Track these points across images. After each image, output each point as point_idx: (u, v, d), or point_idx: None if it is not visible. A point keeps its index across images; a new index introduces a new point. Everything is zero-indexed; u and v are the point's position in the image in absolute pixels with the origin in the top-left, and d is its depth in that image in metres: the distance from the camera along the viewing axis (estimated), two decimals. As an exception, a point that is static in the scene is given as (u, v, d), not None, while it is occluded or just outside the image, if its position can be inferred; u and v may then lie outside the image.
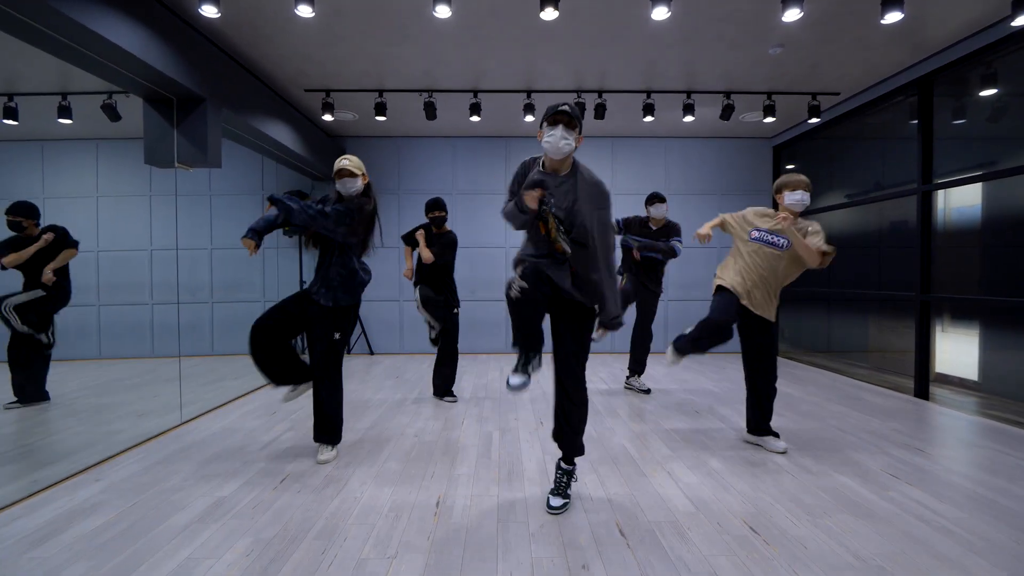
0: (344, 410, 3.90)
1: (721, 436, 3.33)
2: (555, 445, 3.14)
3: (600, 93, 5.05)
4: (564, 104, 2.19)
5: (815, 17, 3.66)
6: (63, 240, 4.15)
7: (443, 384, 4.26)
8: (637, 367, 4.55)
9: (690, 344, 3.02)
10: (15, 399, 3.90)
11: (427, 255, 3.87)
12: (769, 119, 5.16)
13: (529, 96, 5.06)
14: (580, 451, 2.40)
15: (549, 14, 3.05)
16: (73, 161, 5.98)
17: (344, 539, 2.05)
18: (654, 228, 4.31)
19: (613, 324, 2.33)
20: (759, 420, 3.10)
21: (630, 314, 4.43)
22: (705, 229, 3.20)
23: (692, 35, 3.96)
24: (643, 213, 4.42)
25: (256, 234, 2.67)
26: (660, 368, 5.58)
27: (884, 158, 5.24)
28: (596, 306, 2.31)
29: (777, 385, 3.12)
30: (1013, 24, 3.30)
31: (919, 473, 2.71)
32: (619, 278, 4.41)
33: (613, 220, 2.28)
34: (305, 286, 6.49)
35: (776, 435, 3.08)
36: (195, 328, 6.30)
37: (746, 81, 4.87)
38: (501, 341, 6.66)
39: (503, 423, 3.63)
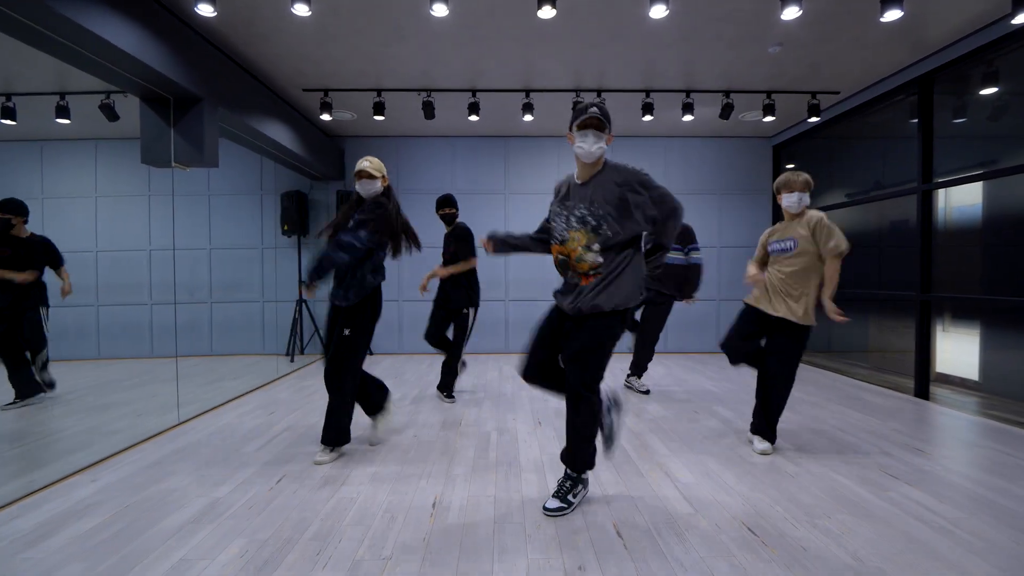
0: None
1: (720, 437, 3.32)
2: (553, 445, 3.14)
3: (599, 92, 5.04)
4: (593, 107, 2.17)
5: (814, 16, 3.65)
6: (55, 258, 4.14)
7: (442, 380, 4.25)
8: (637, 370, 4.53)
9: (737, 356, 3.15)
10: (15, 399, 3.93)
11: (441, 273, 4.01)
12: (769, 118, 5.15)
13: (528, 95, 5.05)
14: (581, 462, 2.32)
15: (547, 12, 3.04)
16: (72, 161, 5.97)
17: (339, 540, 2.04)
18: None
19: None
20: (755, 415, 3.08)
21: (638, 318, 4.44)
22: (752, 272, 3.21)
23: (691, 34, 3.94)
24: None
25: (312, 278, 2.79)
26: (659, 368, 5.56)
27: (884, 157, 5.23)
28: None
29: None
30: (1013, 22, 3.28)
31: (919, 473, 2.70)
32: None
33: (653, 193, 2.21)
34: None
35: (765, 437, 3.00)
36: (194, 328, 6.29)
37: (745, 80, 4.85)
38: (501, 341, 6.64)
39: (501, 423, 3.62)
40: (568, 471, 2.34)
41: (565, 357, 2.28)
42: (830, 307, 2.84)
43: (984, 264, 4.24)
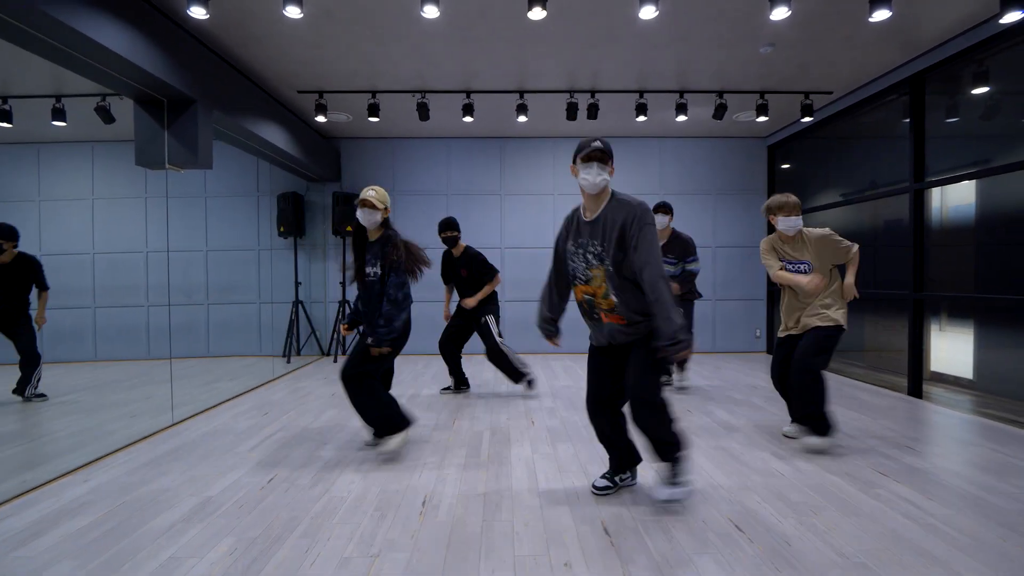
0: (338, 411, 3.93)
1: (710, 434, 3.33)
2: (544, 444, 3.16)
3: (593, 93, 5.05)
4: (596, 141, 2.21)
5: (804, 16, 3.67)
6: (40, 280, 4.17)
7: (506, 372, 4.36)
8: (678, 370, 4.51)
9: (790, 409, 3.21)
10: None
11: (470, 303, 4.16)
12: (762, 118, 5.17)
13: (522, 96, 5.07)
14: (667, 449, 2.29)
15: (537, 14, 3.05)
16: (69, 163, 6.00)
17: (328, 538, 2.05)
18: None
19: (674, 346, 2.10)
20: (792, 409, 3.15)
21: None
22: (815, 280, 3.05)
23: (683, 34, 3.96)
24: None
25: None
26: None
27: (879, 156, 5.24)
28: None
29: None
30: (1002, 22, 3.29)
31: (908, 471, 2.71)
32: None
33: (642, 237, 2.15)
34: (301, 286, 6.50)
35: (814, 431, 2.98)
36: (191, 330, 6.30)
37: (739, 80, 4.87)
38: (497, 342, 6.65)
39: (495, 423, 3.63)
40: (667, 464, 2.31)
41: (628, 381, 2.29)
42: (850, 284, 3.00)
43: (978, 263, 4.25)
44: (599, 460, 2.87)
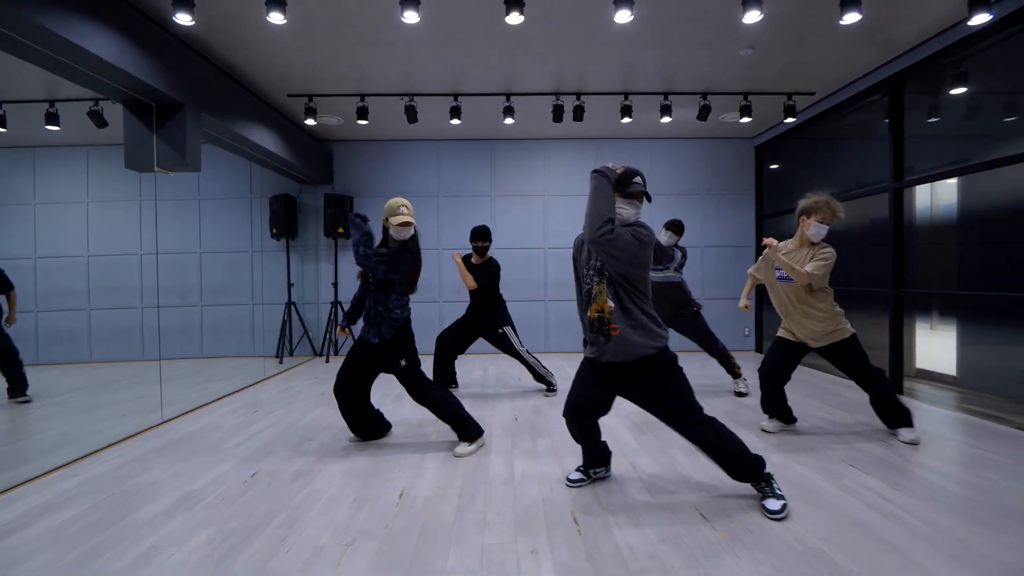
0: (326, 410, 3.99)
1: (690, 430, 3.38)
2: (527, 441, 3.22)
3: (578, 95, 5.13)
4: (638, 176, 2.26)
5: (780, 19, 3.74)
6: (4, 283, 4.26)
7: (536, 377, 4.49)
8: (733, 375, 4.39)
9: (764, 403, 3.34)
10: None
11: (470, 282, 4.20)
12: (746, 119, 5.24)
13: (508, 99, 5.14)
14: (749, 470, 2.27)
15: (514, 18, 3.13)
16: (64, 167, 6.07)
17: (305, 528, 2.11)
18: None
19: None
20: (887, 418, 3.19)
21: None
22: (743, 301, 3.69)
23: (664, 37, 4.03)
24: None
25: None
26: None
27: (864, 156, 5.30)
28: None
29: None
30: (970, 24, 3.36)
31: (878, 463, 2.77)
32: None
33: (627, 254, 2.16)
34: (293, 287, 6.56)
35: (907, 425, 3.11)
36: (185, 331, 6.36)
37: (722, 82, 4.94)
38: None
39: (479, 419, 3.67)
40: (754, 484, 2.31)
41: (656, 410, 2.30)
42: (773, 246, 2.93)
43: (960, 261, 4.31)
44: (575, 453, 2.93)
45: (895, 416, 3.14)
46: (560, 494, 2.42)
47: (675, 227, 4.25)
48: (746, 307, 3.70)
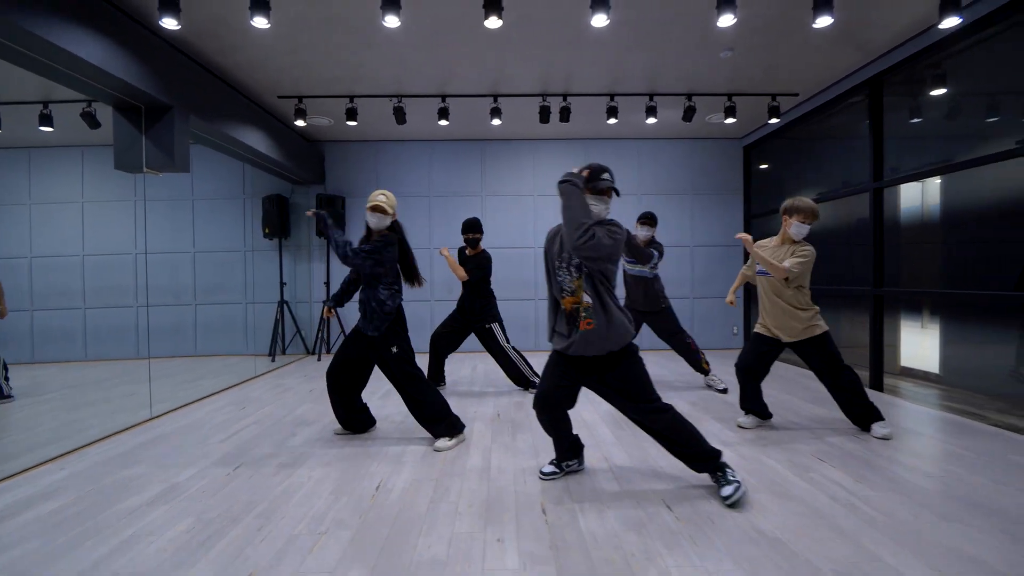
0: (314, 406, 4.06)
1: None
2: (505, 435, 3.28)
3: (565, 96, 5.19)
4: (606, 172, 2.32)
5: (756, 22, 3.80)
6: None
7: (513, 377, 4.53)
8: (701, 370, 4.47)
9: (742, 399, 3.42)
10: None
11: (461, 274, 4.25)
12: (731, 120, 5.30)
13: (496, 100, 5.20)
14: (704, 459, 2.34)
15: (493, 23, 3.19)
16: (59, 167, 6.15)
17: (282, 518, 2.18)
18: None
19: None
20: (857, 418, 3.25)
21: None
22: (730, 296, 3.84)
23: (646, 39, 4.10)
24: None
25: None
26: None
27: (850, 156, 5.36)
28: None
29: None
30: (941, 27, 3.42)
31: (846, 457, 2.83)
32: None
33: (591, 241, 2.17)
34: (286, 286, 6.63)
35: (878, 419, 3.19)
36: (179, 330, 6.44)
37: (706, 83, 5.00)
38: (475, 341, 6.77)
39: (462, 415, 3.74)
40: (710, 473, 2.37)
41: (616, 400, 2.38)
42: (747, 240, 3.09)
43: (943, 260, 4.37)
44: (552, 448, 2.99)
45: (864, 414, 3.21)
46: (532, 486, 2.49)
47: (649, 219, 4.29)
48: (731, 303, 3.85)
